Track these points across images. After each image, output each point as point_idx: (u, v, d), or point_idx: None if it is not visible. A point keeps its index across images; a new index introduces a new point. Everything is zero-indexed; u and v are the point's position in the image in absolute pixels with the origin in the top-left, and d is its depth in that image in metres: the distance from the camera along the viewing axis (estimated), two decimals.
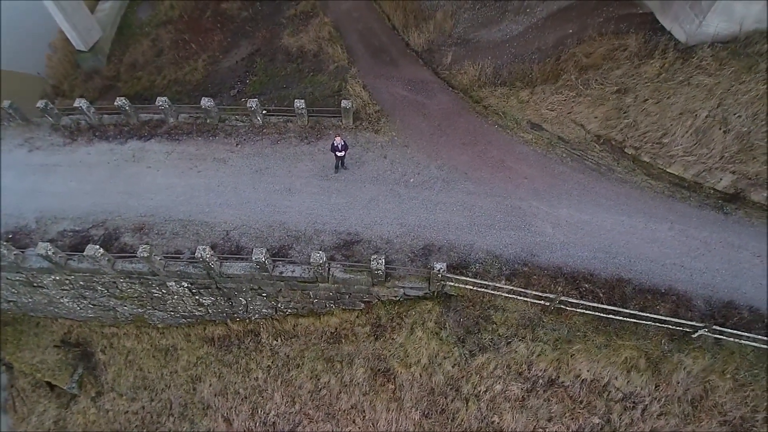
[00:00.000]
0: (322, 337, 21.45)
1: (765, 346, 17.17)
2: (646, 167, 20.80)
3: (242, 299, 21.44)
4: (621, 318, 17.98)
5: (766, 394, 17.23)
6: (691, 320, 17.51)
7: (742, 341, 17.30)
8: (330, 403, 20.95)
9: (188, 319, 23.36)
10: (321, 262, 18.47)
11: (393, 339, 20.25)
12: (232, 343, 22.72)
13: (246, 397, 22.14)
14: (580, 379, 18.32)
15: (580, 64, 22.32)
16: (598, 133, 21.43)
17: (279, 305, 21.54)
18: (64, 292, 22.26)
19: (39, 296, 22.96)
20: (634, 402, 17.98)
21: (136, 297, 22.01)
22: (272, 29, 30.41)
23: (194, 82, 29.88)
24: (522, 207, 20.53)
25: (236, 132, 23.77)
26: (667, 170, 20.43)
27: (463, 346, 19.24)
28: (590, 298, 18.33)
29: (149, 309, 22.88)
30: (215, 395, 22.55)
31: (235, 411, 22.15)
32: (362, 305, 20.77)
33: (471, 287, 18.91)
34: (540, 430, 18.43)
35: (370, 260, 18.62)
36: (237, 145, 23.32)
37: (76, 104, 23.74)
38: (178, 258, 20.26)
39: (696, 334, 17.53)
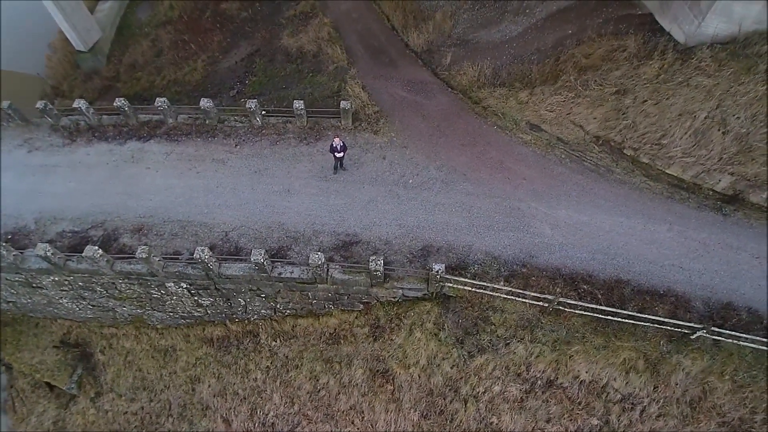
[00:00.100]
0: (320, 337, 21.46)
1: (764, 348, 17.17)
2: (644, 168, 20.80)
3: (241, 300, 21.45)
4: (619, 319, 17.99)
5: (765, 396, 17.23)
6: (689, 321, 17.53)
7: (741, 343, 17.30)
8: (329, 403, 20.96)
9: (187, 320, 23.37)
10: (320, 263, 18.48)
11: (392, 340, 20.26)
12: (231, 344, 22.73)
13: (245, 398, 22.15)
14: (578, 380, 18.33)
15: (579, 65, 22.31)
16: (597, 134, 21.44)
17: (278, 306, 21.55)
18: (63, 292, 22.27)
19: (38, 297, 22.97)
20: (632, 403, 17.99)
21: (135, 298, 22.02)
22: (272, 30, 30.39)
23: (194, 83, 29.86)
24: (521, 208, 20.53)
25: (235, 133, 23.77)
26: (666, 171, 20.44)
27: (462, 347, 19.24)
28: (589, 299, 18.34)
29: (148, 310, 22.89)
30: (214, 396, 22.56)
31: (234, 412, 22.16)
32: (361, 306, 20.77)
33: (470, 288, 18.91)
34: (539, 431, 18.44)
35: (368, 261, 18.62)
36: (236, 145, 23.33)
37: (75, 105, 23.75)
38: (177, 259, 20.27)
39: (695, 336, 17.53)
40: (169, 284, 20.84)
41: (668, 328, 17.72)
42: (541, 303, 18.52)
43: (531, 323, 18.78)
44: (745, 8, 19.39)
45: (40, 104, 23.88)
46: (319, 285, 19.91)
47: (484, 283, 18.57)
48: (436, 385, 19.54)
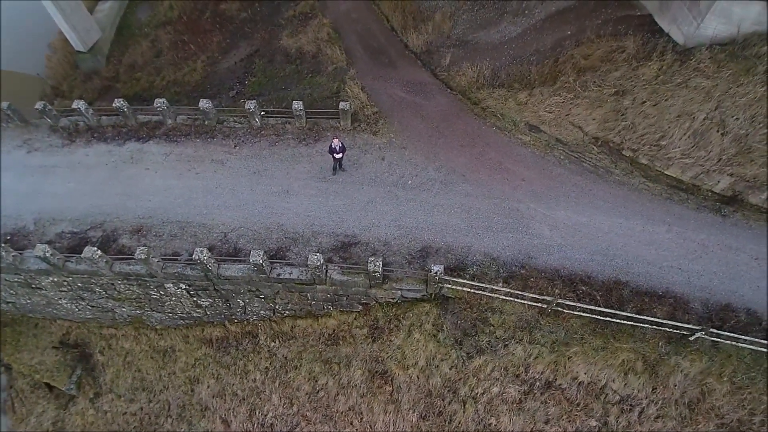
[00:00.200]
0: (319, 338, 21.47)
1: (762, 349, 17.18)
2: (643, 169, 20.79)
3: (240, 301, 21.46)
4: (618, 321, 18.00)
5: (764, 397, 17.24)
6: (688, 323, 17.53)
7: (740, 344, 17.28)
8: (328, 404, 20.98)
9: (186, 321, 23.38)
10: (318, 264, 18.49)
11: (390, 341, 20.28)
12: (230, 345, 22.74)
13: (244, 399, 22.17)
14: (577, 381, 18.37)
15: (578, 66, 22.31)
16: (596, 135, 21.43)
17: (277, 307, 21.56)
18: (63, 293, 22.29)
19: (37, 297, 22.99)
20: (631, 404, 18.03)
21: (134, 298, 22.04)
22: (271, 30, 30.39)
23: (193, 83, 29.84)
24: (520, 209, 20.53)
25: (234, 133, 23.77)
26: (665, 172, 20.42)
27: (461, 349, 19.26)
28: (587, 300, 18.34)
29: (147, 310, 22.90)
30: (213, 396, 22.58)
31: (233, 412, 22.19)
32: (360, 307, 20.78)
33: (468, 289, 18.91)
34: None
35: (367, 262, 18.62)
36: (235, 146, 23.33)
37: (74, 106, 23.75)
38: (176, 260, 20.27)
39: (693, 337, 17.54)
40: (168, 285, 20.85)
41: (667, 329, 17.73)
42: (539, 304, 18.52)
43: (530, 324, 18.78)
44: (744, 9, 19.37)
45: (39, 105, 23.85)
46: (317, 286, 19.91)
47: (483, 285, 18.58)
48: (435, 386, 19.56)
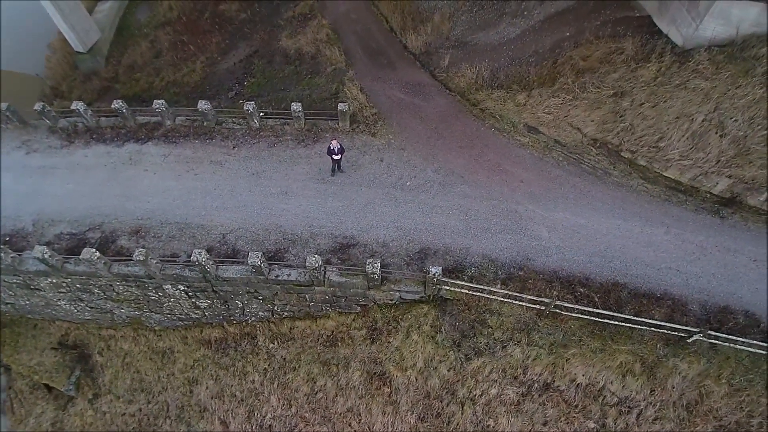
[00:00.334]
0: (318, 340, 21.46)
1: (761, 351, 17.16)
2: (642, 171, 20.79)
3: (239, 302, 21.47)
4: (616, 322, 17.97)
5: (762, 399, 17.22)
6: (686, 325, 17.51)
7: (738, 346, 17.26)
8: (326, 406, 20.97)
9: (185, 322, 23.39)
10: (317, 265, 18.49)
11: (389, 342, 20.26)
12: (228, 346, 22.74)
13: (242, 400, 22.17)
14: (575, 383, 18.34)
15: (577, 68, 22.31)
16: (595, 137, 21.44)
17: (275, 308, 21.56)
18: (61, 294, 22.29)
19: (36, 299, 23.00)
20: (629, 406, 18.00)
21: (133, 300, 22.04)
22: (270, 31, 30.42)
23: (192, 84, 29.86)
24: (518, 210, 20.52)
25: (233, 135, 23.78)
26: (664, 174, 20.44)
27: (459, 350, 19.25)
28: (586, 302, 18.33)
29: (146, 312, 22.91)
30: (212, 398, 22.57)
31: (231, 414, 22.18)
32: (358, 308, 20.78)
33: (467, 291, 18.90)
34: None
35: (365, 264, 18.62)
36: (234, 147, 23.34)
37: (73, 107, 23.79)
38: (175, 261, 20.28)
39: (691, 339, 17.53)
40: (166, 286, 20.86)
41: (665, 331, 17.71)
42: (537, 306, 18.51)
43: (528, 326, 18.77)
44: (742, 11, 19.38)
45: (38, 106, 23.89)
46: (316, 287, 19.91)
47: (481, 286, 18.57)
48: (433, 387, 19.55)
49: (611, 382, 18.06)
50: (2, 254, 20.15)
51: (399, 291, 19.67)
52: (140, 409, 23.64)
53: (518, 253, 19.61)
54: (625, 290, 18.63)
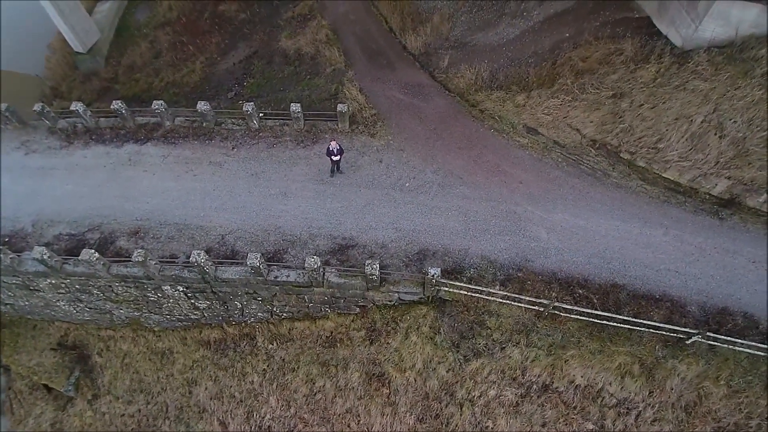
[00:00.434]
0: (317, 341, 21.47)
1: (760, 353, 17.15)
2: (641, 172, 20.79)
3: (238, 303, 21.47)
4: (615, 324, 17.97)
5: (760, 401, 17.22)
6: (685, 326, 17.50)
7: (737, 348, 17.27)
8: (325, 407, 20.98)
9: (184, 323, 23.40)
10: (315, 266, 18.49)
11: (388, 343, 20.27)
12: (227, 347, 22.74)
13: (241, 401, 22.18)
14: (574, 384, 18.36)
15: (576, 69, 22.29)
16: (594, 138, 21.43)
17: (274, 309, 21.57)
18: (61, 295, 22.30)
19: (36, 299, 23.01)
20: (627, 408, 18.01)
21: (132, 300, 22.05)
22: (270, 31, 30.40)
23: (192, 84, 29.84)
24: (517, 212, 20.52)
25: (232, 135, 23.78)
26: (663, 175, 20.45)
27: (458, 351, 19.25)
28: (584, 303, 18.33)
29: (145, 312, 22.92)
30: (211, 398, 22.58)
31: (230, 414, 22.19)
32: (357, 309, 20.79)
33: (465, 292, 18.90)
34: None
35: (364, 265, 18.62)
36: (233, 148, 23.34)
37: (72, 107, 23.79)
38: (174, 262, 20.29)
39: (690, 341, 17.54)
40: (165, 287, 20.86)
41: (664, 333, 17.71)
42: (536, 307, 18.51)
43: (526, 327, 18.78)
44: (742, 12, 19.36)
45: (37, 107, 23.89)
46: (315, 288, 19.91)
47: (480, 287, 18.56)
48: (432, 388, 19.56)
49: (610, 384, 18.07)
50: (2, 255, 20.18)
51: (398, 292, 19.67)
52: (139, 410, 23.65)
53: (517, 255, 19.61)
54: (624, 291, 18.63)
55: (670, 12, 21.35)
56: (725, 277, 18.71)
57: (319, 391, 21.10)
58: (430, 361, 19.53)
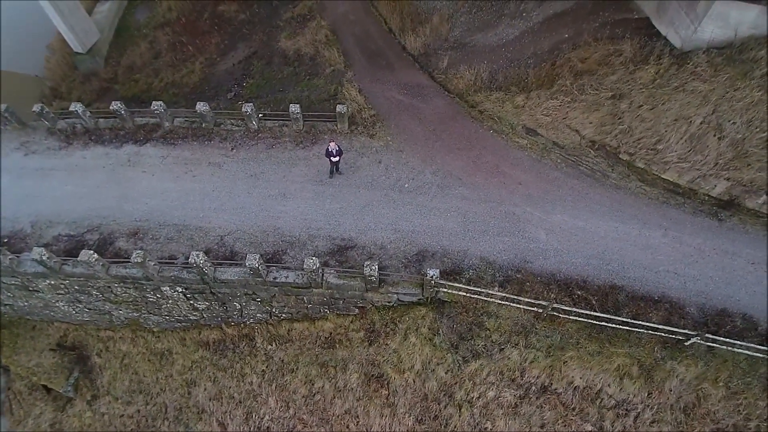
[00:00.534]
0: (316, 342, 21.48)
1: (758, 355, 17.14)
2: (640, 173, 20.79)
3: (237, 304, 21.47)
4: (614, 325, 17.96)
5: (759, 402, 17.21)
6: (684, 328, 17.49)
7: (735, 349, 17.26)
8: (324, 408, 20.99)
9: (183, 323, 23.40)
10: (314, 267, 18.49)
11: (387, 344, 20.27)
12: (227, 348, 22.75)
13: (240, 402, 22.19)
14: (572, 386, 18.35)
15: (576, 70, 22.29)
16: (593, 139, 21.42)
17: (273, 310, 21.57)
18: (60, 296, 22.30)
19: (35, 300, 23.01)
20: (626, 409, 18.00)
21: (131, 301, 22.06)
22: (269, 32, 30.39)
23: (191, 85, 29.83)
24: (516, 213, 20.51)
25: (231, 136, 23.78)
26: (662, 176, 20.44)
27: (457, 353, 19.25)
28: (583, 305, 18.33)
29: (144, 313, 22.93)
30: (210, 399, 22.59)
31: (229, 415, 22.20)
32: (356, 310, 20.78)
33: (464, 294, 18.90)
34: None
35: (363, 266, 18.62)
36: (232, 149, 23.34)
37: (71, 108, 23.79)
38: (173, 263, 20.29)
39: (689, 342, 17.52)
40: (164, 288, 20.87)
41: (662, 334, 17.69)
42: (535, 309, 18.50)
43: (525, 329, 18.77)
44: (741, 13, 19.36)
45: (36, 107, 23.88)
46: (314, 289, 19.91)
47: (479, 289, 18.55)
48: (431, 390, 19.56)
49: (609, 385, 18.06)
50: (1, 256, 20.18)
51: (397, 293, 19.67)
52: (138, 411, 23.66)
53: (516, 256, 19.60)
54: (623, 293, 18.62)
55: (670, 13, 21.35)
56: (724, 279, 18.70)
57: (318, 392, 21.11)
58: (429, 362, 19.53)
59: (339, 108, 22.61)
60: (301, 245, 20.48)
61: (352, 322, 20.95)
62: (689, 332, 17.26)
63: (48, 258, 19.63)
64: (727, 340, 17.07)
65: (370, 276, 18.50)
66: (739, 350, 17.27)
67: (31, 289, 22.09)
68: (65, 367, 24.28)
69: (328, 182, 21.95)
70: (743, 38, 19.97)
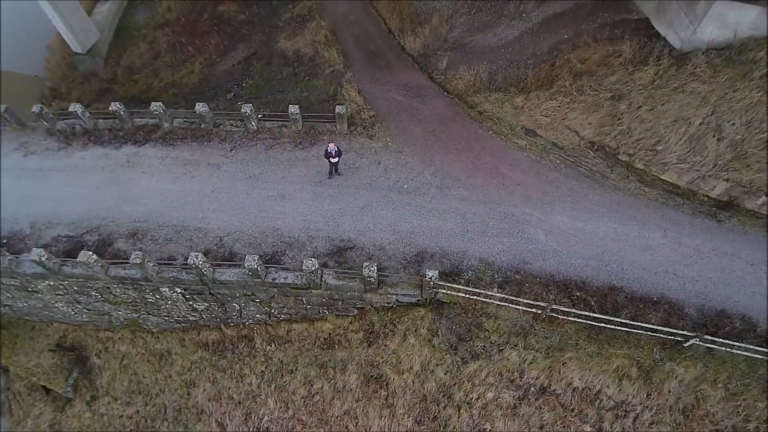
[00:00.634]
0: (315, 342, 21.47)
1: (757, 356, 17.13)
2: (639, 174, 20.78)
3: (236, 305, 21.47)
4: (613, 326, 17.96)
5: (758, 404, 17.19)
6: (683, 329, 17.49)
7: (734, 350, 17.25)
8: (323, 409, 20.99)
9: (182, 324, 23.39)
10: (313, 268, 18.48)
11: (386, 345, 20.26)
12: (226, 348, 22.74)
13: (240, 403, 22.19)
14: (571, 387, 18.33)
15: (575, 70, 22.26)
16: (592, 140, 21.41)
17: (272, 311, 21.56)
18: (59, 297, 22.30)
19: (34, 301, 23.01)
20: (625, 410, 17.99)
21: (130, 302, 22.06)
22: (269, 32, 30.40)
23: (191, 85, 29.85)
24: (515, 214, 20.50)
25: (231, 137, 23.78)
26: (661, 177, 20.44)
27: (456, 354, 19.24)
28: (582, 306, 18.32)
29: (143, 314, 22.93)
30: (209, 400, 22.59)
31: (228, 416, 22.21)
32: (355, 311, 20.77)
33: (463, 295, 18.88)
34: None
35: (362, 267, 18.61)
36: (231, 150, 23.34)
37: (71, 109, 23.77)
38: (172, 264, 20.28)
39: (688, 343, 17.51)
40: (163, 289, 20.87)
41: (661, 335, 17.68)
42: (534, 310, 18.49)
43: (524, 330, 18.76)
44: (740, 14, 19.32)
45: (35, 108, 23.85)
46: (313, 290, 19.90)
47: (478, 290, 18.55)
48: (430, 391, 19.55)
49: (608, 386, 18.04)
50: (0, 257, 20.16)
51: (396, 294, 19.67)
52: (138, 411, 23.66)
53: (515, 257, 19.60)
54: (622, 294, 18.61)
55: (669, 14, 21.32)
56: (723, 280, 18.69)
57: (317, 392, 21.11)
58: (428, 363, 19.52)
59: (338, 109, 22.60)
60: (300, 246, 20.47)
61: (351, 323, 20.94)
62: (688, 333, 17.26)
63: (47, 259, 19.64)
64: (726, 341, 17.07)
65: (369, 277, 18.49)
66: (738, 351, 17.25)
67: (30, 289, 22.09)
68: (64, 368, 24.28)
69: (327, 183, 21.94)
70: (743, 39, 19.91)
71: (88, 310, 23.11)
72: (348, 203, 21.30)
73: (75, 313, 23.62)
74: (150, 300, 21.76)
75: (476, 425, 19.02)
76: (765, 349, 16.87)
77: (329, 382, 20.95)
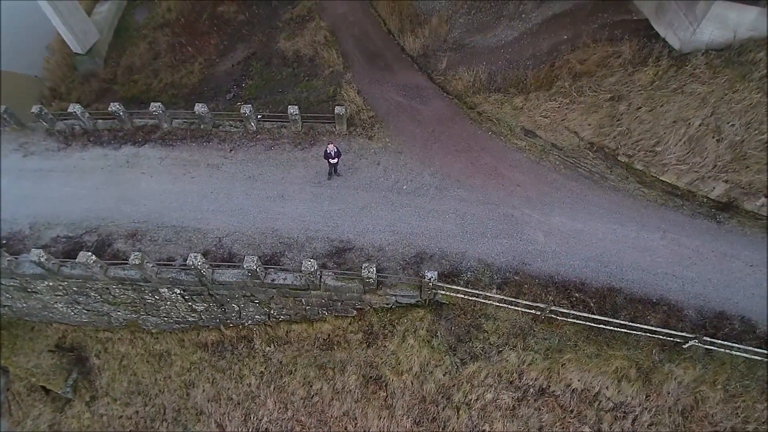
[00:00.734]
0: (314, 343, 21.46)
1: (756, 357, 17.13)
2: (639, 175, 20.77)
3: (235, 306, 21.46)
4: (612, 328, 17.95)
5: (757, 405, 17.18)
6: (682, 330, 17.50)
7: (734, 352, 17.24)
8: (322, 409, 20.98)
9: (182, 325, 23.38)
10: (312, 269, 18.47)
11: (385, 346, 20.25)
12: (225, 349, 22.73)
13: (239, 403, 22.18)
14: (570, 388, 18.32)
15: (574, 71, 22.25)
16: (592, 141, 21.39)
17: (272, 312, 21.56)
18: (58, 297, 22.30)
19: (33, 301, 23.01)
20: (624, 412, 17.98)
21: (130, 303, 22.06)
22: (268, 33, 30.41)
23: (190, 86, 29.85)
24: (514, 215, 20.50)
25: (230, 138, 23.77)
26: (660, 178, 20.43)
27: (455, 355, 19.24)
28: (581, 307, 18.32)
29: (143, 314, 22.92)
30: (208, 401, 22.58)
31: (228, 417, 22.20)
32: (354, 312, 20.77)
33: (462, 296, 18.89)
34: None
35: (361, 268, 18.59)
36: (230, 150, 23.34)
37: (70, 109, 23.76)
38: (171, 265, 20.28)
39: (687, 345, 17.50)
40: (162, 290, 20.86)
41: (660, 337, 17.68)
42: (533, 311, 18.49)
43: (523, 331, 18.76)
44: (740, 15, 19.31)
45: (35, 109, 23.83)
46: (312, 291, 19.90)
47: (477, 291, 18.56)
48: (429, 392, 19.54)
49: (607, 388, 18.04)
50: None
51: (395, 295, 19.66)
52: (137, 412, 23.65)
53: (514, 258, 19.59)
54: (621, 295, 18.61)
55: (668, 14, 21.31)
56: (723, 281, 18.69)
57: (316, 393, 21.10)
58: (427, 365, 19.51)
59: (338, 109, 22.60)
60: (299, 247, 20.47)
61: (350, 323, 20.93)
62: (687, 335, 17.27)
63: (46, 259, 19.65)
64: (726, 342, 17.09)
65: (369, 278, 18.49)
66: (738, 353, 17.25)
67: (29, 290, 22.09)
68: (64, 369, 24.28)
69: (327, 184, 21.94)
70: (742, 40, 19.89)
71: (88, 310, 23.11)
72: (347, 204, 21.30)
73: (74, 314, 23.62)
74: (149, 301, 21.76)
75: (475, 426, 19.01)
76: (764, 351, 16.88)
77: (328, 383, 20.94)
